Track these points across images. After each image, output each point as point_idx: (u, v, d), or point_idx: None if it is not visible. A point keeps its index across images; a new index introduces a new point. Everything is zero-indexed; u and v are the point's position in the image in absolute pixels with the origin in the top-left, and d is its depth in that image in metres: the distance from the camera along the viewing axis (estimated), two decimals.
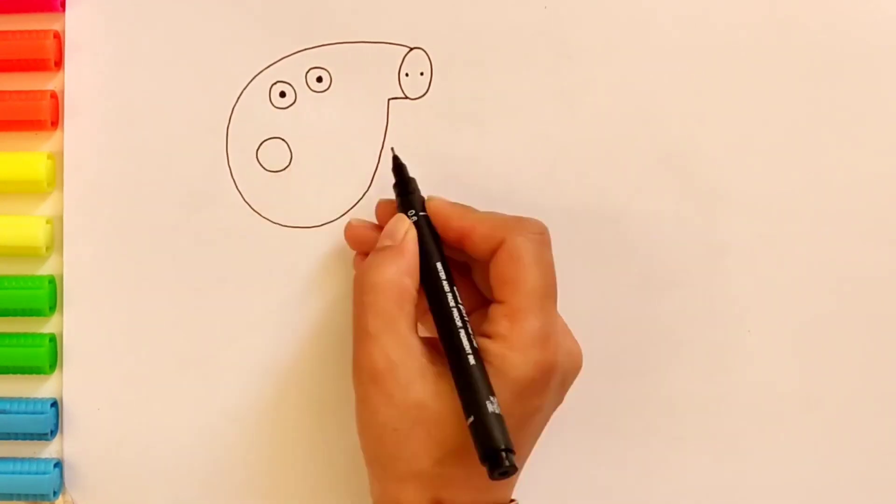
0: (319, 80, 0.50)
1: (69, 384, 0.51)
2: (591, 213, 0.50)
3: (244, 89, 0.50)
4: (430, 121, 0.50)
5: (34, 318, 0.50)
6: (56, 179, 0.50)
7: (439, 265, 0.44)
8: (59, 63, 0.50)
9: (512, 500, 0.45)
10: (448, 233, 0.45)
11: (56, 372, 0.51)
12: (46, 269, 0.51)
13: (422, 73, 0.50)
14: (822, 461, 0.51)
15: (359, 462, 0.46)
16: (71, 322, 0.50)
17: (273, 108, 0.50)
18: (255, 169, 0.50)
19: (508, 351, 0.42)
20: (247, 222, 0.50)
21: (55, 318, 0.51)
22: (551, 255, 0.45)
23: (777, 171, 0.50)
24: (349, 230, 0.48)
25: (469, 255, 0.46)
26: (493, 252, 0.44)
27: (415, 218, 0.46)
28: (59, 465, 0.50)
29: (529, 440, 0.44)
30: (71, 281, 0.50)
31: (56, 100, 0.50)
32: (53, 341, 0.50)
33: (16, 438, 0.50)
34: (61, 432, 0.51)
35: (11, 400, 0.50)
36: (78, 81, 0.50)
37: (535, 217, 0.46)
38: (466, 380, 0.41)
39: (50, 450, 0.51)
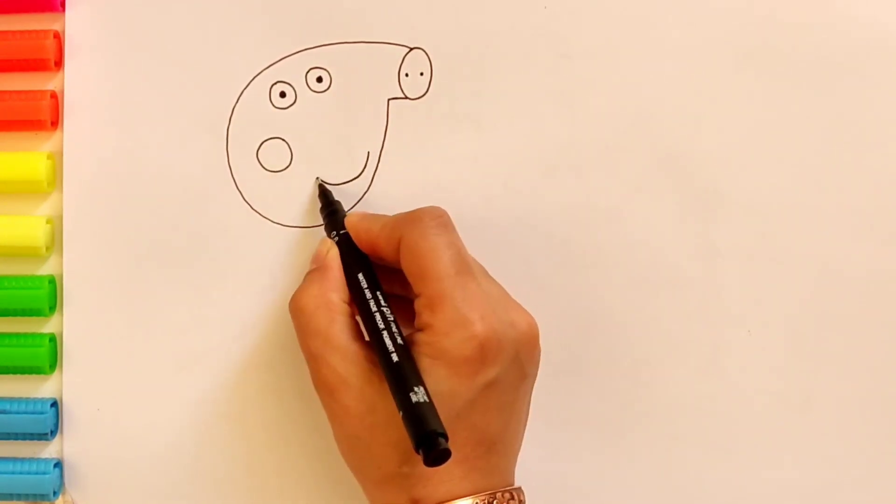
0: (319, 80, 0.50)
1: (69, 384, 0.51)
2: (590, 213, 0.50)
3: (244, 89, 0.50)
4: (430, 121, 0.50)
5: (34, 318, 0.50)
6: (56, 179, 0.50)
7: (360, 275, 0.46)
8: (59, 63, 0.50)
9: (511, 488, 0.44)
10: (362, 245, 0.47)
11: (56, 372, 0.51)
12: (46, 269, 0.51)
13: (422, 73, 0.50)
14: (818, 461, 0.51)
15: None
16: (71, 322, 0.50)
17: (273, 108, 0.50)
18: (255, 169, 0.50)
19: (436, 337, 0.43)
20: (247, 222, 0.50)
21: (55, 318, 0.51)
22: (454, 234, 0.45)
23: (776, 171, 0.50)
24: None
25: (388, 263, 0.46)
26: (398, 252, 0.45)
27: (337, 238, 0.47)
28: (59, 465, 0.50)
29: (495, 417, 0.44)
30: (71, 281, 0.50)
31: (56, 100, 0.50)
32: (53, 341, 0.50)
33: (16, 438, 0.50)
34: (61, 432, 0.51)
35: (11, 400, 0.50)
36: (78, 81, 0.50)
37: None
38: (391, 377, 0.42)
39: (50, 450, 0.51)
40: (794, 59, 0.50)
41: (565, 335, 0.49)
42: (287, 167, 0.50)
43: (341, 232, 0.47)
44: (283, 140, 0.50)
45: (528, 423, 0.47)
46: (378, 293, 0.45)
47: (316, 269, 0.47)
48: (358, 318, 0.46)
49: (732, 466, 0.51)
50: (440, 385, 0.42)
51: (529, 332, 0.45)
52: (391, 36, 0.50)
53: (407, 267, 0.45)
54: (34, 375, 0.50)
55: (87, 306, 0.50)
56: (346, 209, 0.49)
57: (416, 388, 0.41)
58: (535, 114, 0.50)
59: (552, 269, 0.50)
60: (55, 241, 0.50)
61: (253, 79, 0.50)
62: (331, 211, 0.48)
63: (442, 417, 0.40)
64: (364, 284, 0.45)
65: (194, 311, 0.50)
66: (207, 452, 0.50)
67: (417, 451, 0.40)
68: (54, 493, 0.50)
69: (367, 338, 0.45)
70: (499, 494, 0.43)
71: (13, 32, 0.49)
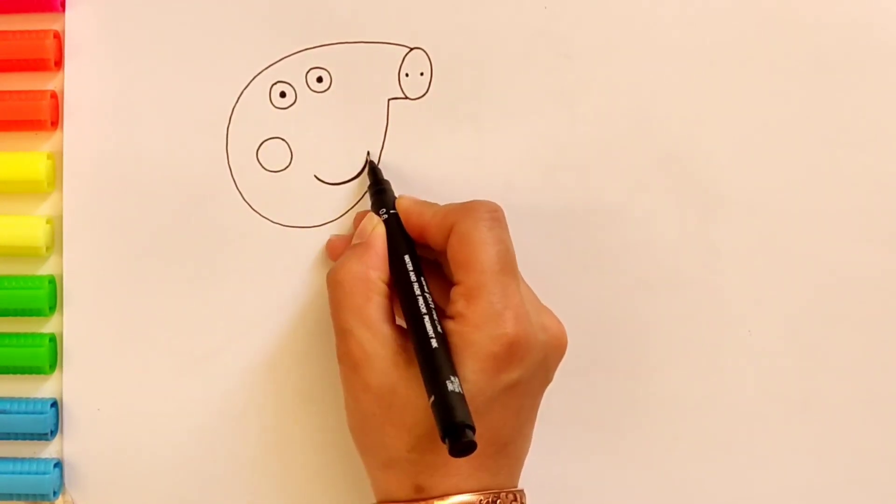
0: (319, 80, 0.50)
1: (69, 384, 0.51)
2: (590, 213, 0.50)
3: (244, 89, 0.50)
4: (430, 121, 0.50)
5: (34, 318, 0.50)
6: (56, 179, 0.50)
7: (406, 257, 0.45)
8: (59, 63, 0.50)
9: (514, 490, 0.44)
10: (411, 230, 0.47)
11: (56, 372, 0.51)
12: (46, 269, 0.51)
13: (422, 73, 0.50)
14: (818, 461, 0.51)
15: (358, 461, 0.46)
16: (71, 322, 0.50)
17: (273, 108, 0.50)
18: (255, 169, 0.50)
19: (467, 328, 0.43)
20: (247, 222, 0.50)
21: (55, 318, 0.51)
22: (505, 232, 0.45)
23: (776, 171, 0.50)
24: (329, 245, 0.50)
25: (434, 249, 0.46)
26: (448, 240, 0.45)
27: (385, 216, 0.47)
28: (59, 465, 0.50)
29: (512, 419, 0.44)
30: (71, 281, 0.50)
31: (56, 100, 0.50)
32: (53, 341, 0.50)
33: (16, 438, 0.50)
34: (61, 432, 0.51)
35: (11, 400, 0.50)
36: (78, 81, 0.50)
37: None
38: (427, 362, 0.42)
39: (50, 450, 0.51)
40: (794, 59, 0.50)
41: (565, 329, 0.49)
42: (287, 167, 0.50)
43: (391, 212, 0.47)
44: (283, 140, 0.50)
45: None
46: (422, 278, 0.45)
47: (359, 245, 0.46)
48: (391, 301, 0.45)
49: (732, 466, 0.51)
50: (465, 379, 0.42)
51: (559, 339, 0.45)
52: (391, 36, 0.50)
53: (453, 254, 0.45)
54: (34, 375, 0.50)
55: (87, 306, 0.50)
56: (345, 209, 0.49)
57: (451, 378, 0.41)
58: (535, 114, 0.50)
59: (552, 269, 0.50)
60: (55, 241, 0.50)
61: (253, 79, 0.50)
62: (379, 189, 0.48)
63: None
64: (409, 267, 0.45)
65: (194, 311, 0.50)
66: (207, 452, 0.50)
67: (444, 440, 0.39)
68: (54, 493, 0.50)
69: (397, 321, 0.45)
70: (503, 495, 0.43)
71: (13, 32, 0.49)
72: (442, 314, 0.44)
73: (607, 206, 0.50)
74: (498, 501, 0.43)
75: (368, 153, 0.50)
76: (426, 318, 0.43)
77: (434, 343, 0.42)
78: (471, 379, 0.42)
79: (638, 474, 0.51)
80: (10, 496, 0.50)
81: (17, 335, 0.50)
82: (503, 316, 0.43)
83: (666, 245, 0.50)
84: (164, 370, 0.50)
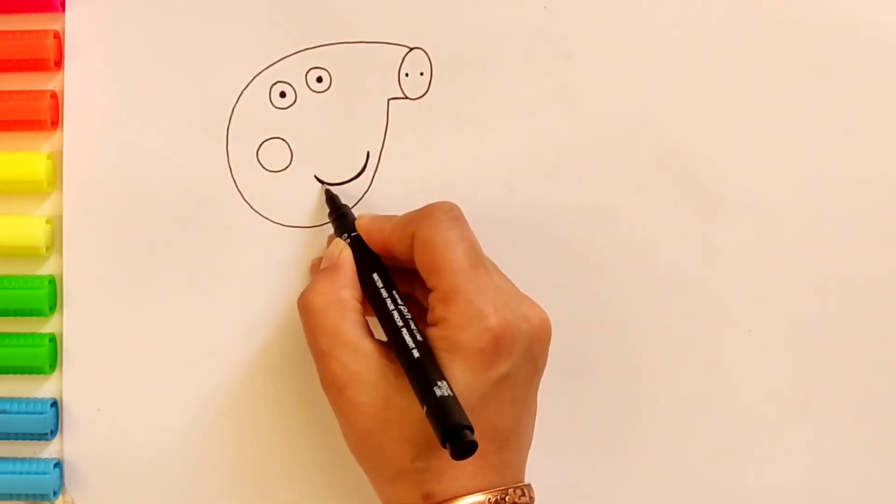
0: (319, 80, 0.50)
1: (69, 384, 0.51)
2: (590, 213, 0.50)
3: (244, 89, 0.50)
4: (430, 121, 0.50)
5: (34, 318, 0.50)
6: (56, 179, 0.50)
7: (375, 275, 0.46)
8: (59, 63, 0.50)
9: (521, 484, 0.44)
10: (375, 246, 0.47)
11: (56, 372, 0.51)
12: (46, 269, 0.51)
13: (422, 73, 0.50)
14: (818, 461, 0.51)
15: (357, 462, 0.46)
16: (71, 322, 0.50)
17: (273, 108, 0.50)
18: (255, 169, 0.50)
19: (450, 331, 0.43)
20: (247, 222, 0.50)
21: (55, 318, 0.51)
22: (466, 228, 0.45)
23: (776, 171, 0.50)
24: (312, 268, 0.50)
25: (403, 261, 0.46)
26: (412, 249, 0.45)
27: (349, 239, 0.47)
28: (59, 465, 0.50)
29: (508, 411, 0.44)
30: (71, 281, 0.50)
31: (56, 100, 0.50)
32: (53, 341, 0.50)
33: (16, 438, 0.50)
34: (61, 432, 0.51)
35: (11, 400, 0.50)
36: (78, 81, 0.50)
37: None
38: (413, 373, 0.42)
39: (50, 450, 0.51)
40: (794, 59, 0.50)
41: (565, 335, 0.49)
42: (287, 167, 0.50)
43: (353, 234, 0.47)
44: (283, 140, 0.50)
45: None
46: (394, 292, 0.45)
47: (328, 269, 0.46)
48: (369, 318, 0.45)
49: (732, 466, 0.51)
50: (455, 379, 0.42)
51: (542, 326, 0.45)
52: (391, 36, 0.50)
53: (420, 261, 0.45)
54: (34, 375, 0.50)
55: (87, 306, 0.50)
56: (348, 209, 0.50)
57: (439, 383, 0.41)
58: (535, 114, 0.50)
59: (552, 269, 0.50)
60: (55, 241, 0.50)
61: (253, 79, 0.50)
62: (339, 215, 0.49)
63: None
64: (380, 283, 0.45)
65: (194, 311, 0.50)
66: (207, 452, 0.50)
67: (444, 445, 0.39)
68: (54, 493, 0.50)
69: (377, 336, 0.45)
70: (510, 490, 0.43)
71: (13, 32, 0.49)
72: (423, 322, 0.44)
73: (607, 206, 0.50)
74: (507, 497, 0.43)
75: (323, 185, 0.50)
76: (404, 331, 0.43)
77: (416, 353, 0.42)
78: (461, 378, 0.42)
79: (638, 474, 0.51)
80: (10, 496, 0.50)
81: (17, 335, 0.50)
82: (484, 311, 0.43)
83: (666, 245, 0.50)
84: (164, 370, 0.50)
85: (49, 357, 0.50)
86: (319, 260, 0.49)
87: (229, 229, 0.50)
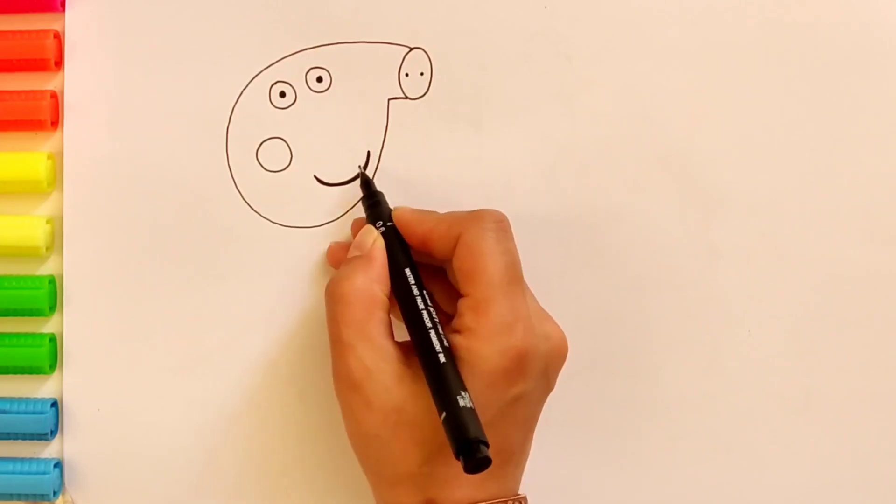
0: (319, 80, 0.50)
1: (69, 384, 0.51)
2: (590, 213, 0.50)
3: (244, 89, 0.50)
4: (430, 121, 0.50)
5: (34, 318, 0.50)
6: (56, 179, 0.50)
7: (407, 270, 0.45)
8: (59, 63, 0.50)
9: (518, 496, 0.44)
10: (412, 239, 0.46)
11: (56, 372, 0.51)
12: (46, 269, 0.51)
13: (422, 73, 0.50)
14: (818, 461, 0.51)
15: (358, 463, 0.46)
16: (71, 322, 0.50)
17: (273, 108, 0.50)
18: (255, 169, 0.50)
19: (476, 342, 0.43)
20: (247, 222, 0.50)
21: (55, 318, 0.51)
22: (512, 242, 0.45)
23: (776, 171, 0.50)
24: (330, 253, 0.49)
25: (437, 259, 0.46)
26: (454, 250, 0.45)
27: (382, 229, 0.46)
28: (59, 465, 0.50)
29: (519, 429, 0.44)
30: (71, 281, 0.50)
31: (56, 100, 0.50)
32: (53, 341, 0.50)
33: (16, 438, 0.50)
34: (61, 432, 0.51)
35: (11, 400, 0.50)
36: (78, 81, 0.50)
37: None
38: (436, 378, 0.42)
39: (50, 450, 0.51)
40: (794, 59, 0.50)
41: (565, 335, 0.49)
42: (287, 167, 0.50)
43: (388, 224, 0.47)
44: (283, 140, 0.50)
45: None
46: (424, 292, 0.44)
47: (361, 258, 0.45)
48: (393, 316, 0.45)
49: (732, 466, 0.51)
50: (474, 392, 0.42)
51: (560, 347, 0.45)
52: (391, 36, 0.50)
53: (459, 265, 0.44)
54: (34, 375, 0.50)
55: (87, 306, 0.50)
56: (345, 209, 0.49)
57: (462, 393, 0.41)
58: (535, 114, 0.50)
59: (552, 270, 0.50)
60: (55, 241, 0.50)
61: (253, 79, 0.50)
62: (374, 202, 0.48)
63: None
64: (412, 280, 0.45)
65: (194, 312, 0.50)
66: (207, 452, 0.50)
67: (457, 457, 0.39)
68: (54, 493, 0.50)
69: (396, 336, 0.44)
70: (510, 502, 0.43)
71: (13, 32, 0.49)
72: (447, 326, 0.44)
73: (607, 206, 0.50)
74: None
75: (360, 166, 0.49)
76: (432, 333, 0.43)
77: (442, 358, 0.42)
78: (480, 392, 0.42)
79: (638, 474, 0.51)
80: (10, 496, 0.50)
81: (17, 335, 0.50)
82: (513, 329, 0.43)
83: (666, 245, 0.50)
84: (164, 370, 0.50)
85: (49, 357, 0.50)
86: (339, 245, 0.49)
87: (229, 229, 0.50)
